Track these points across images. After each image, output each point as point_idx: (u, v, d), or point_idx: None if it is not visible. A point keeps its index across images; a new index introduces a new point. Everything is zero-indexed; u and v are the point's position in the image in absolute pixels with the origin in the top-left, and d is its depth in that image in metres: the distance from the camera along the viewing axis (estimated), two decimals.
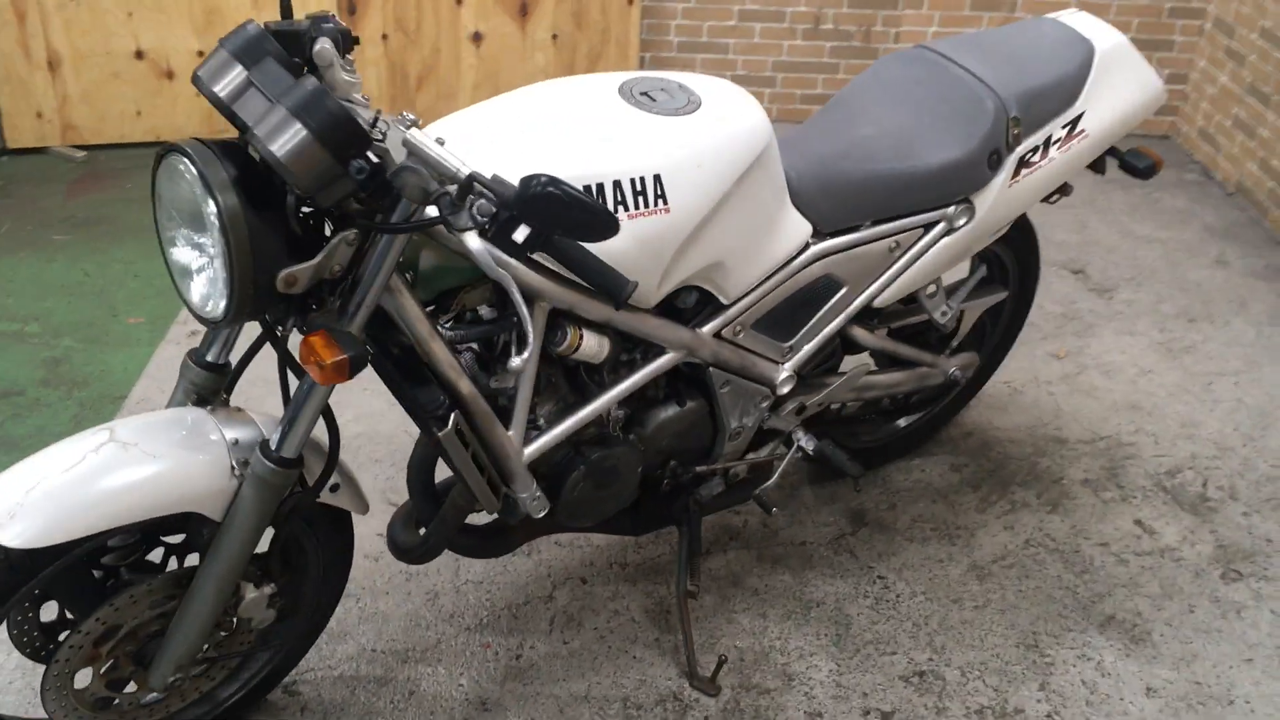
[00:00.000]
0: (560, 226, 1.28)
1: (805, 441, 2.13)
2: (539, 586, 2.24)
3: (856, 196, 1.94)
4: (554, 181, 1.26)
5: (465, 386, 1.59)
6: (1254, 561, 2.36)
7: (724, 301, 1.82)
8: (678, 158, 1.62)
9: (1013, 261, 2.44)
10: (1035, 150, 2.08)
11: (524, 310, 1.38)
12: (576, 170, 1.54)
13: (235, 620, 1.70)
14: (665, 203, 1.59)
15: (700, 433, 1.97)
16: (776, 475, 2.14)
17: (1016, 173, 2.07)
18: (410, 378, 1.58)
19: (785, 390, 2.00)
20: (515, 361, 1.46)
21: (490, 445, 1.66)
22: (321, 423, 1.56)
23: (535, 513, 1.77)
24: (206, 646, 1.70)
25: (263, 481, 1.51)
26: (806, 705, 1.98)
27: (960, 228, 2.06)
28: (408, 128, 1.33)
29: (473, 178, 1.30)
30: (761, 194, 1.78)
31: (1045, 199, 2.24)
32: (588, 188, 1.54)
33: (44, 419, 2.71)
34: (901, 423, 2.57)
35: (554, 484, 1.80)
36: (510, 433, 1.66)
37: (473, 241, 1.32)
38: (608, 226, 1.30)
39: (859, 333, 2.11)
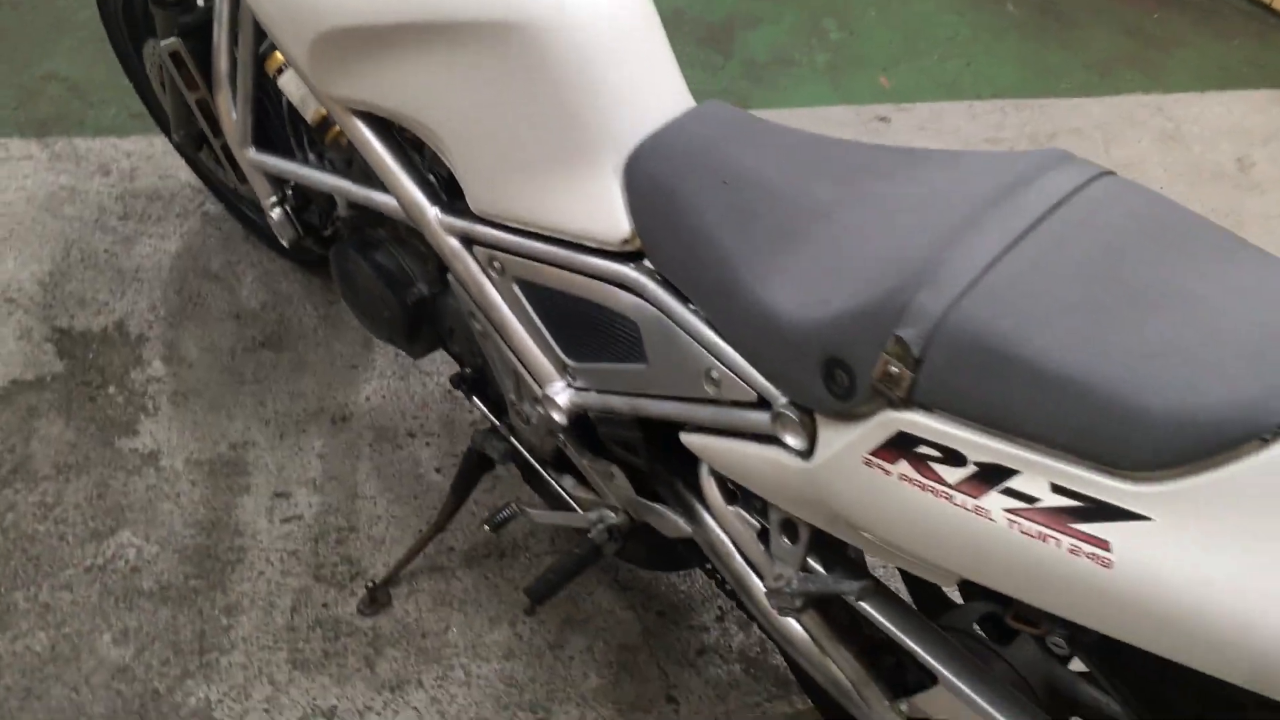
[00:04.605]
0: None
1: (595, 532, 1.50)
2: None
3: (693, 252, 1.11)
4: None
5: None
6: None
7: (469, 202, 1.34)
8: None
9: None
10: (948, 457, 0.86)
11: None
12: None
13: None
14: None
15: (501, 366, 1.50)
16: (532, 514, 1.63)
17: (893, 458, 0.90)
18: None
19: (556, 417, 1.36)
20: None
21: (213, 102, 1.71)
22: None
23: (279, 235, 1.76)
24: None
25: None
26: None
27: (785, 446, 1.04)
28: None
29: None
30: (534, 92, 1.20)
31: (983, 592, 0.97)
32: None
33: None
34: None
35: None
36: (232, 115, 1.66)
37: None
38: None
39: (710, 489, 1.26)
